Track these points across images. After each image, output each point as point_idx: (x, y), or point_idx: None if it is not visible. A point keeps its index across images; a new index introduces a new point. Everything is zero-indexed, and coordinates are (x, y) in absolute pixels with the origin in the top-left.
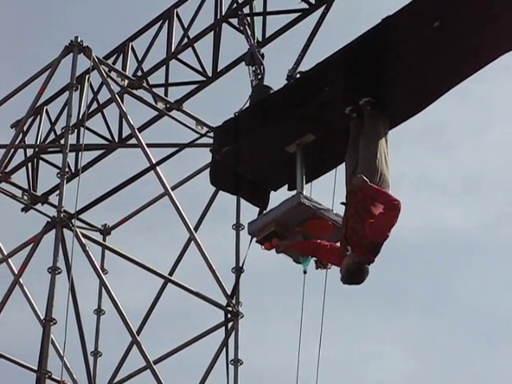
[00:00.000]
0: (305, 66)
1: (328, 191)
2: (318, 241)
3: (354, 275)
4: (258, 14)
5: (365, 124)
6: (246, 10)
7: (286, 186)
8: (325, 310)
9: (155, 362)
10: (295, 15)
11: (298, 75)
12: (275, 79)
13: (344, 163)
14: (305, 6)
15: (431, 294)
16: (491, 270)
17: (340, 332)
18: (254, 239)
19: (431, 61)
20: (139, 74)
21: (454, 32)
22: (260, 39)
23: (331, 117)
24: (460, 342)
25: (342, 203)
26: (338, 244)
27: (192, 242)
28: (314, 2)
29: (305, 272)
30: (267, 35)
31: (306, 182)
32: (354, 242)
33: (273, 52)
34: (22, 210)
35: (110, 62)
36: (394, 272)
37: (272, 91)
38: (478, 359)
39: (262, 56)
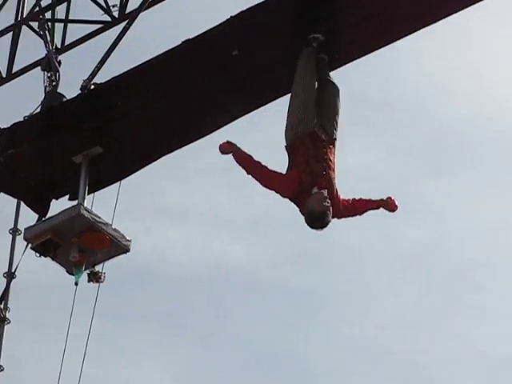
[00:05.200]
0: (102, 78)
1: (109, 205)
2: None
3: (326, 217)
4: (60, 21)
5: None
6: (49, 15)
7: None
8: (99, 330)
9: None
10: (97, 26)
11: (93, 86)
12: (71, 88)
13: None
14: (108, 18)
15: (209, 325)
16: (268, 307)
17: (111, 353)
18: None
19: None
20: None
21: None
22: (59, 46)
23: (120, 132)
24: (230, 372)
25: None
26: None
27: None
28: (116, 16)
29: (76, 284)
30: (67, 43)
31: (89, 193)
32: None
33: (72, 61)
34: None
35: None
36: (174, 301)
37: (64, 100)
38: None
39: (59, 63)
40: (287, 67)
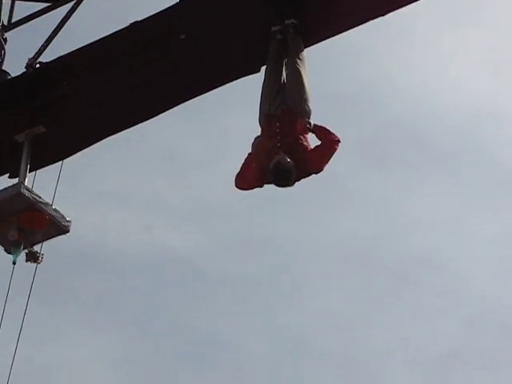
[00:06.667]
0: (48, 58)
1: (50, 186)
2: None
3: (289, 174)
4: None
5: (289, 48)
6: None
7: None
8: (35, 312)
9: None
10: (45, 5)
11: (38, 65)
12: (16, 66)
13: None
14: None
15: (145, 311)
16: (206, 295)
17: (47, 335)
18: None
19: None
20: None
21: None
22: (5, 23)
23: (64, 111)
24: (166, 359)
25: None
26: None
27: None
28: None
29: (14, 263)
30: (13, 20)
31: (30, 171)
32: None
33: (18, 39)
34: None
35: None
36: (111, 285)
37: (9, 77)
38: (183, 376)
39: (5, 40)
40: (236, 55)
